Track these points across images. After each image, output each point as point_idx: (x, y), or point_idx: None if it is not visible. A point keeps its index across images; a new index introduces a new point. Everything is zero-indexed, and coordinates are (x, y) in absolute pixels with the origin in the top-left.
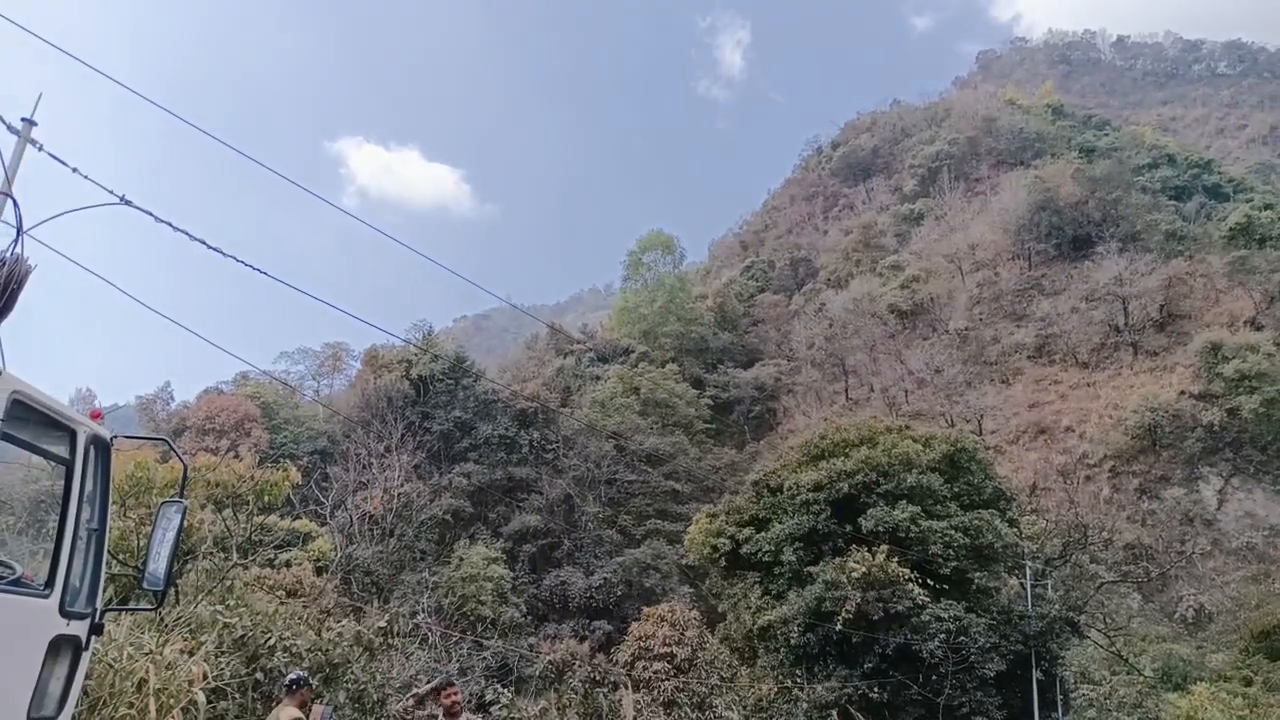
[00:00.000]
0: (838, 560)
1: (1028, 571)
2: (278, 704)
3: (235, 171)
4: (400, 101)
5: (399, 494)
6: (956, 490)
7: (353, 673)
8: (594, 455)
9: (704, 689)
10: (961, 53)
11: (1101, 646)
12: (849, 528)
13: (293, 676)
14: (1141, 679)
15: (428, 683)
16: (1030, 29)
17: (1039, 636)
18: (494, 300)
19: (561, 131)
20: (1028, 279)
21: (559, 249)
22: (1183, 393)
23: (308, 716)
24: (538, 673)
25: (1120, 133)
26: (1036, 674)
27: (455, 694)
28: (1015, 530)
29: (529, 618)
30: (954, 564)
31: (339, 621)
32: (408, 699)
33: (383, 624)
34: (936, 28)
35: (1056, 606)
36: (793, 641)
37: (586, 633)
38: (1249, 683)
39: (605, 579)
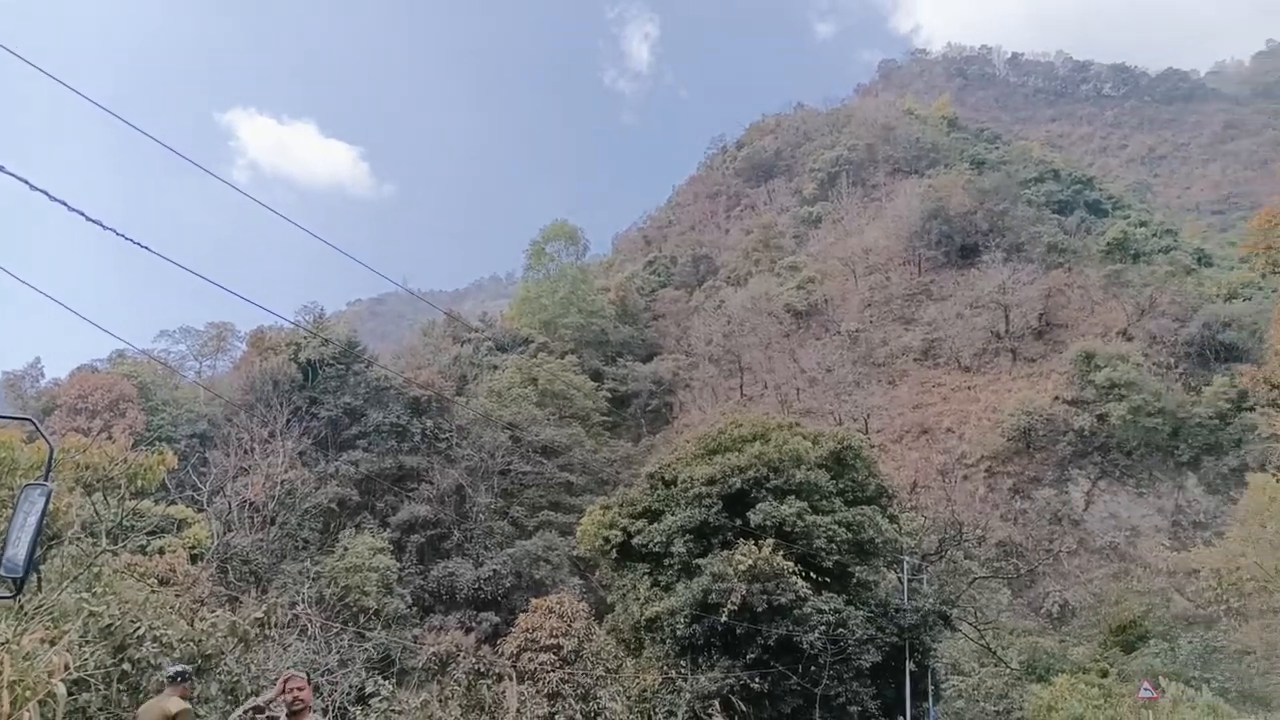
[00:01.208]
0: (726, 553)
1: (905, 566)
2: (151, 696)
3: (120, 142)
4: (296, 73)
5: (282, 481)
6: (842, 487)
7: (226, 664)
8: (488, 445)
9: (589, 680)
10: (863, 60)
11: (972, 639)
12: (739, 521)
13: (177, 669)
14: (1008, 671)
15: (282, 681)
16: (929, 40)
17: (913, 629)
18: (390, 284)
19: (465, 114)
20: (917, 284)
21: (460, 234)
22: (1057, 398)
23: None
24: (420, 665)
25: (1010, 147)
26: (910, 665)
27: (300, 686)
28: (895, 526)
29: (415, 609)
30: (836, 558)
31: (213, 611)
32: (246, 712)
33: (260, 614)
34: (839, 34)
35: (931, 600)
36: (679, 633)
37: (474, 624)
38: (1105, 674)
39: (495, 570)
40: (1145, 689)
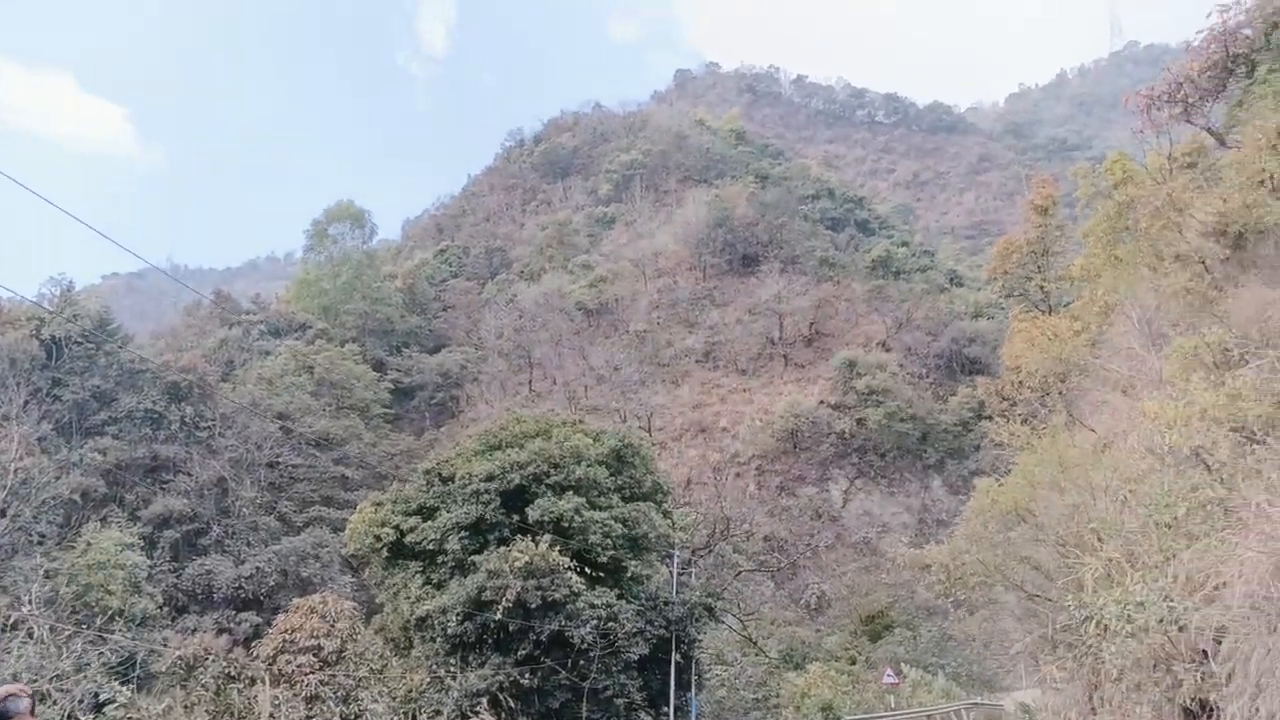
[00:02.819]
0: (502, 550)
1: (675, 560)
2: None
3: None
4: (51, 17)
5: (16, 469)
6: (620, 483)
7: None
8: (256, 436)
9: (350, 682)
10: (657, 64)
11: (735, 630)
12: (517, 518)
13: None
14: (767, 660)
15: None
16: (719, 54)
17: (680, 621)
18: (152, 257)
19: (246, 80)
20: (702, 289)
21: (236, 209)
22: (822, 402)
23: None
24: (166, 669)
25: (792, 164)
26: (676, 656)
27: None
28: (669, 522)
29: (167, 609)
30: (611, 553)
31: None
32: None
33: None
34: (635, 39)
35: (698, 593)
36: (450, 631)
37: (232, 625)
38: (854, 661)
39: (258, 568)
40: (889, 675)
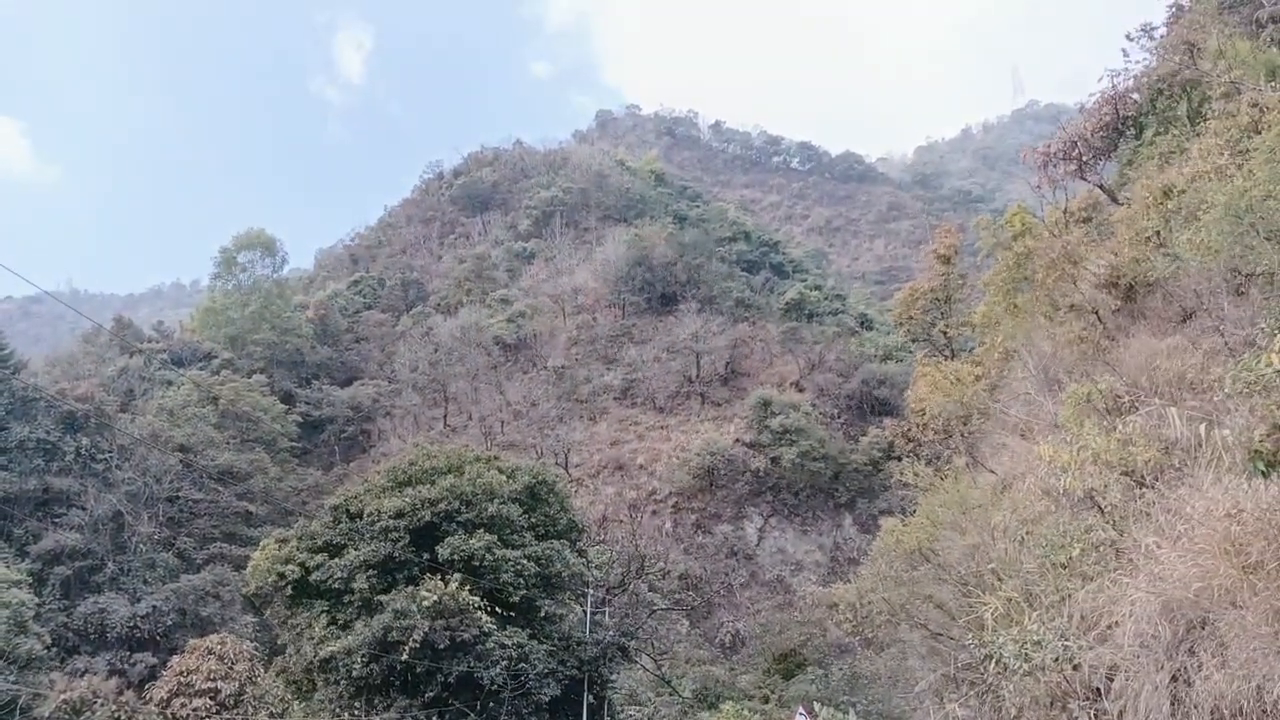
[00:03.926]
0: (410, 589)
1: (589, 599)
2: None
3: None
4: None
5: None
6: (534, 521)
7: None
8: (155, 469)
9: None
10: (576, 103)
11: (649, 670)
12: (426, 556)
13: None
14: (681, 699)
15: None
16: (638, 95)
17: (593, 661)
18: (49, 281)
19: (150, 99)
20: (621, 326)
21: (139, 233)
22: (738, 440)
23: None
24: (49, 714)
25: (709, 206)
26: (589, 697)
27: None
28: (583, 560)
29: (55, 650)
30: (524, 592)
31: None
32: None
33: None
34: (555, 76)
35: (612, 633)
36: (355, 673)
37: (126, 666)
38: (766, 700)
39: (155, 606)
40: (801, 713)
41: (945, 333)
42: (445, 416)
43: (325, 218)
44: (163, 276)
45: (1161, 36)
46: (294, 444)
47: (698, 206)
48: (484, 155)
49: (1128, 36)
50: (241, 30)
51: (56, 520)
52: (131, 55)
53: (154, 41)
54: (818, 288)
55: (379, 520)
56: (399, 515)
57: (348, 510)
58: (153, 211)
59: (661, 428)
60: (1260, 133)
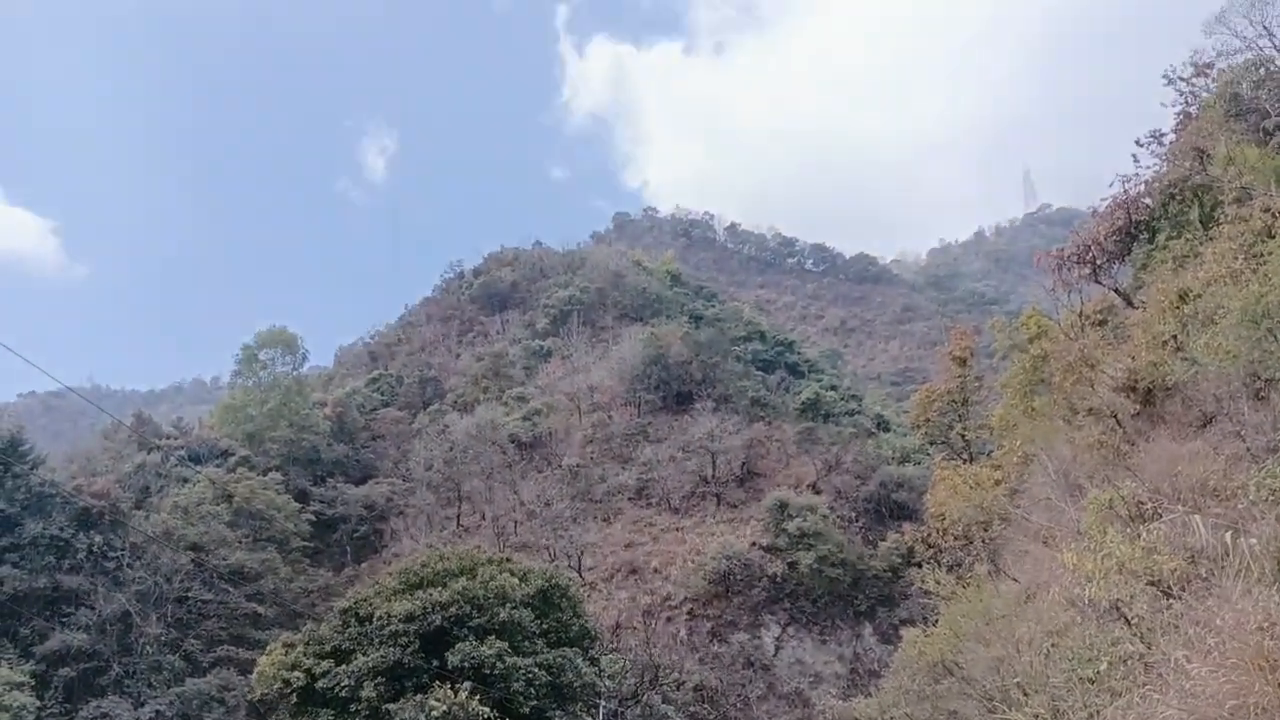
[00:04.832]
0: (419, 698)
1: (600, 711)
2: None
3: None
4: None
5: None
6: (546, 626)
7: None
8: (166, 568)
9: None
10: (595, 206)
11: None
12: (436, 662)
13: None
14: None
15: None
16: (655, 198)
17: None
18: (72, 377)
19: (178, 200)
20: (636, 425)
21: (162, 330)
22: (754, 544)
23: None
24: None
25: (725, 306)
26: None
27: None
28: (595, 669)
29: None
30: (534, 703)
31: None
32: None
33: None
34: (573, 180)
35: None
36: None
37: None
38: None
39: (159, 711)
40: None
41: (963, 435)
42: (459, 516)
43: (347, 315)
44: (184, 373)
45: (1171, 143)
46: (306, 543)
47: (713, 306)
48: (504, 255)
49: (1138, 142)
50: (270, 131)
51: (64, 620)
52: (162, 155)
53: (186, 143)
54: (833, 388)
55: (388, 624)
56: (409, 619)
57: (357, 613)
58: (177, 308)
59: (676, 529)
60: (1274, 237)
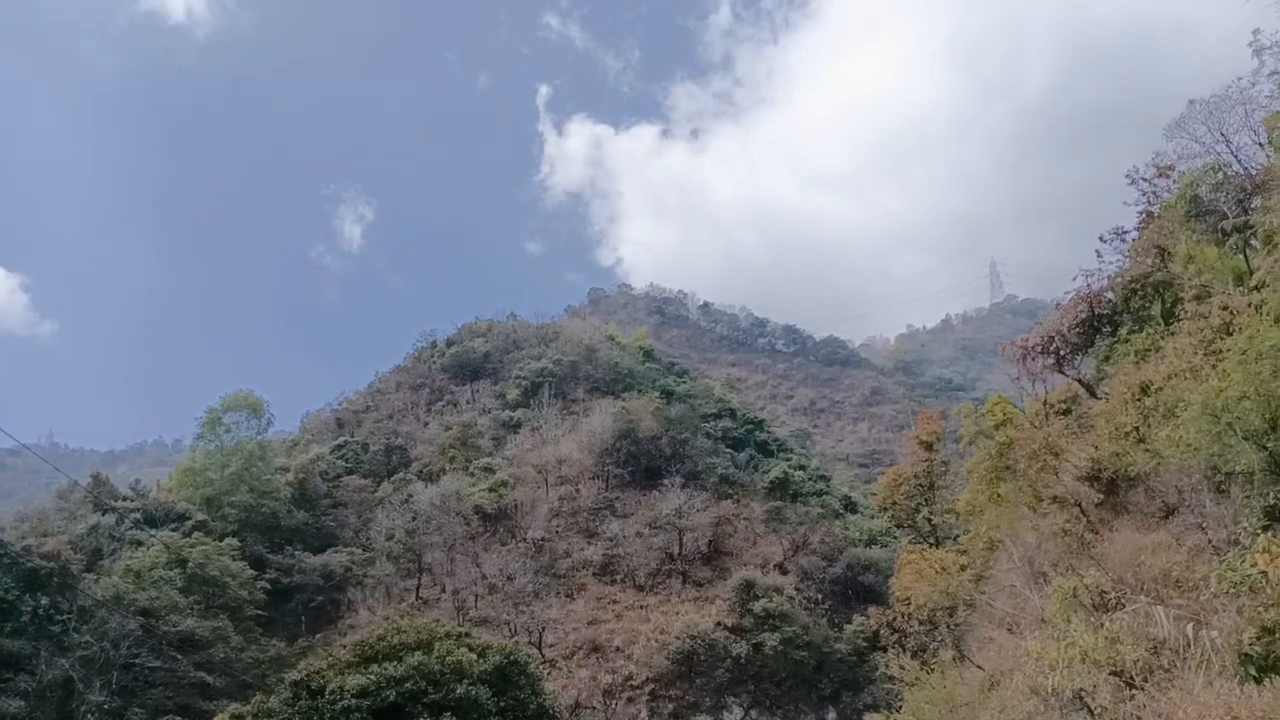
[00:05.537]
0: None
1: None
2: None
3: None
4: None
5: None
6: (504, 704)
7: None
8: (114, 633)
9: None
10: (568, 280)
11: None
12: None
13: None
14: None
15: None
16: (629, 274)
17: None
18: (31, 434)
19: (151, 261)
20: (604, 499)
21: (126, 390)
22: (719, 624)
23: None
24: None
25: (696, 383)
26: None
27: None
28: None
29: None
30: None
31: None
32: None
33: None
34: (547, 255)
35: None
36: None
37: None
38: None
39: None
40: None
41: (929, 519)
42: (418, 588)
43: (315, 381)
44: (147, 434)
45: (1133, 240)
46: (260, 611)
47: (685, 383)
48: (478, 326)
49: (1101, 238)
50: (247, 194)
51: (1, 685)
52: (137, 214)
53: (162, 202)
54: (802, 467)
55: (340, 699)
56: (362, 694)
57: (308, 686)
58: (144, 369)
59: (641, 607)
60: (1231, 334)
